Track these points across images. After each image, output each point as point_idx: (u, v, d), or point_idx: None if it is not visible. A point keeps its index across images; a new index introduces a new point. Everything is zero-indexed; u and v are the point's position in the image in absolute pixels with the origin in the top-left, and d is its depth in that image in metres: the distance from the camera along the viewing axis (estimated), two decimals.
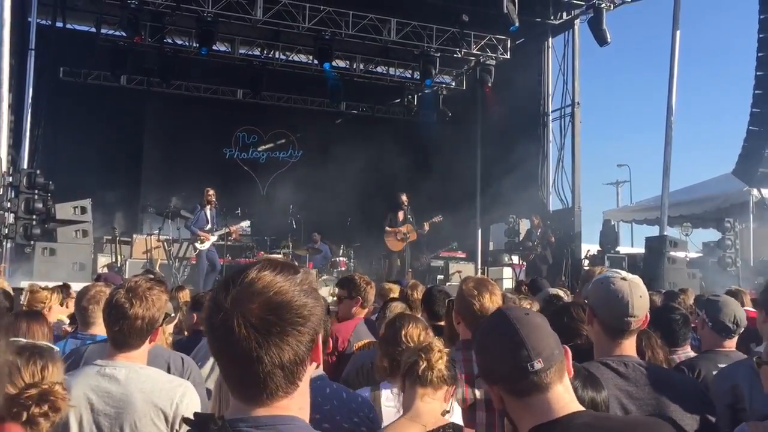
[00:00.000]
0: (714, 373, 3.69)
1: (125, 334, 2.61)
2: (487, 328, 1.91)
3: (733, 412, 3.27)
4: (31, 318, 3.74)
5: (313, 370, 1.44)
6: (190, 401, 2.58)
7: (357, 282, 5.12)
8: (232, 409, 1.39)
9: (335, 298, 5.75)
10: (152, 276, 3.26)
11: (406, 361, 2.71)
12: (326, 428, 2.57)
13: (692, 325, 4.67)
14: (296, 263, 13.10)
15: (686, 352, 4.38)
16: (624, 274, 2.76)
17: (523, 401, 1.75)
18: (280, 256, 13.16)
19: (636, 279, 2.70)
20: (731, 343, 3.97)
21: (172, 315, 4.12)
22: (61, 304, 5.25)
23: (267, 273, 1.37)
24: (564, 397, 1.76)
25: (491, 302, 3.65)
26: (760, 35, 14.18)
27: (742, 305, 4.76)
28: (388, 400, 3.15)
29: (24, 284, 7.05)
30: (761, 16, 14.13)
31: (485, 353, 1.90)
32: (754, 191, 15.54)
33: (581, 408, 1.79)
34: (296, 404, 1.39)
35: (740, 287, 7.63)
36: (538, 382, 1.73)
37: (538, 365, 1.72)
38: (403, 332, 3.23)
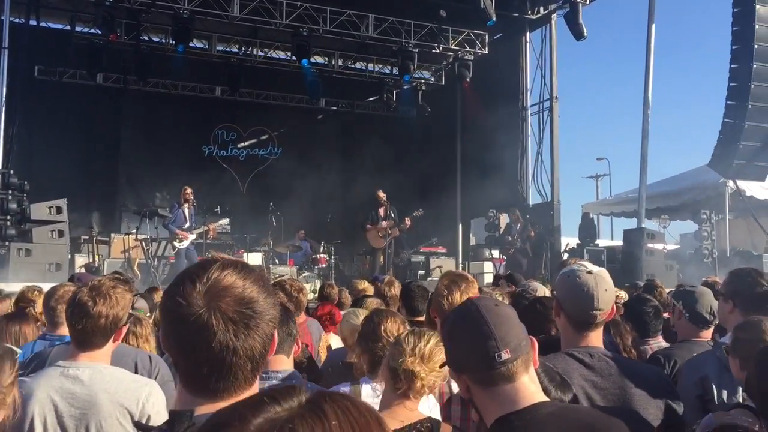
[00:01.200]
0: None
1: (88, 332, 2.58)
2: (455, 317, 1.91)
3: (703, 403, 3.31)
4: (22, 320, 3.73)
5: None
6: (155, 400, 2.56)
7: (287, 289, 5.06)
8: (193, 405, 1.40)
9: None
10: (120, 276, 3.22)
11: (397, 364, 2.67)
12: None
13: (666, 315, 4.72)
14: (277, 261, 13.04)
15: (658, 342, 4.43)
16: (590, 267, 2.76)
17: (490, 391, 1.76)
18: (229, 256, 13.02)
19: (602, 272, 2.70)
20: (707, 333, 4.01)
21: (148, 315, 4.09)
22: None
23: (229, 271, 1.41)
24: (530, 387, 1.77)
25: (462, 300, 3.67)
26: (734, 28, 14.33)
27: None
28: (368, 396, 3.14)
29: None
30: (735, 9, 14.28)
31: (453, 342, 1.91)
32: (730, 183, 15.69)
33: (546, 398, 1.80)
34: None
35: (716, 278, 7.72)
36: (505, 373, 1.74)
37: (505, 356, 1.72)
38: (383, 327, 3.23)
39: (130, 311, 2.80)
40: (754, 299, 3.53)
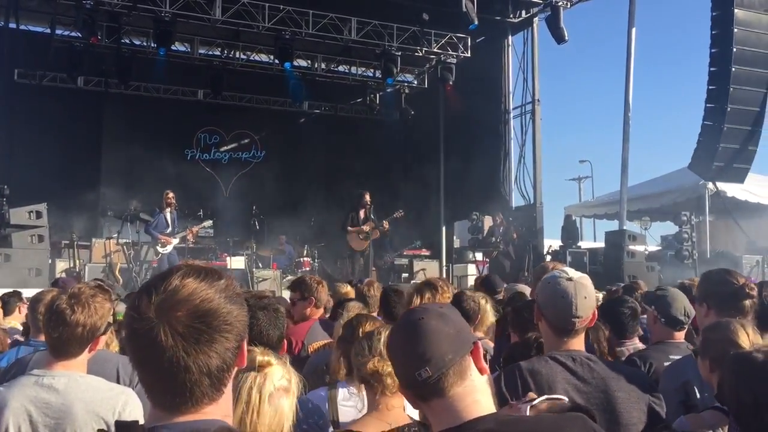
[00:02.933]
0: (666, 364, 3.76)
1: (64, 341, 2.56)
2: (390, 333, 1.88)
3: (686, 408, 3.33)
4: None
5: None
6: (132, 409, 2.54)
7: (308, 283, 5.13)
8: (152, 418, 1.37)
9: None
10: (101, 283, 3.20)
11: (363, 370, 2.68)
12: None
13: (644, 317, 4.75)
14: (223, 270, 12.96)
15: (634, 344, 4.45)
16: (571, 273, 2.78)
17: (426, 405, 1.71)
18: (202, 262, 12.96)
19: (583, 279, 2.71)
20: (680, 335, 4.05)
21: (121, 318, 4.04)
22: (11, 312, 5.17)
23: (191, 280, 1.35)
24: (464, 400, 1.67)
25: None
26: (713, 32, 14.50)
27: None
28: (345, 399, 3.15)
29: None
30: (714, 13, 14.45)
31: (390, 358, 1.89)
32: (710, 185, 15.86)
33: (485, 411, 1.69)
34: (221, 410, 1.39)
35: (693, 280, 7.78)
36: (434, 388, 1.67)
37: (425, 374, 1.65)
38: (360, 330, 3.23)
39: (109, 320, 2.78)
40: (725, 299, 3.56)
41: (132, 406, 2.57)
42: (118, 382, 3.00)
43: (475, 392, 1.70)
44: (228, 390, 1.41)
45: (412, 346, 1.70)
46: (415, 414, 2.83)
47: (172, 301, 1.32)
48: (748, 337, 2.82)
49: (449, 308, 1.85)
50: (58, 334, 2.55)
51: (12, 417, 2.43)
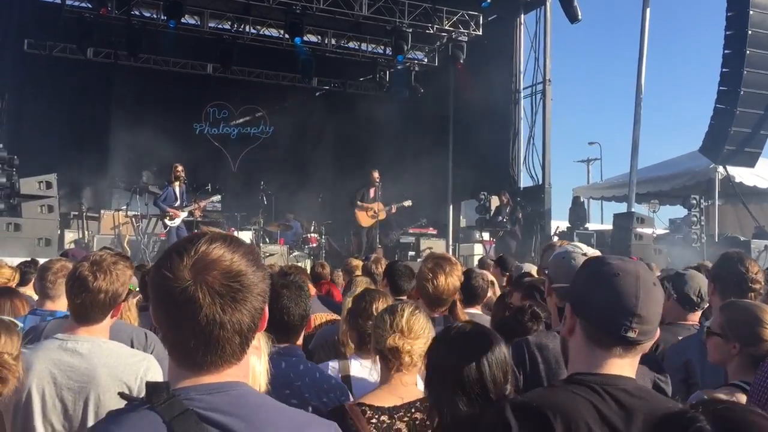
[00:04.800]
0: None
1: (87, 307, 2.58)
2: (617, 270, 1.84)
3: (687, 387, 3.36)
4: (12, 295, 3.73)
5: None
6: (154, 375, 2.56)
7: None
8: (176, 377, 1.42)
9: None
10: (112, 251, 3.21)
11: (382, 345, 2.69)
12: (294, 404, 2.59)
13: None
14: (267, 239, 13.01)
15: None
16: (585, 249, 2.79)
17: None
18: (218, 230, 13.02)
19: (597, 253, 2.72)
20: (695, 317, 4.05)
21: (137, 289, 4.09)
22: (27, 282, 5.19)
23: (218, 245, 1.42)
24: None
25: (446, 283, 3.72)
26: (729, 13, 14.34)
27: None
28: (357, 372, 3.18)
29: None
30: None
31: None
32: (720, 169, 15.77)
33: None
34: (242, 372, 1.46)
35: (704, 262, 7.78)
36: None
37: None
38: (374, 307, 3.25)
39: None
40: (730, 286, 3.57)
41: (153, 372, 2.59)
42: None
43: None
44: (247, 355, 1.47)
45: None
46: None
47: (205, 261, 1.38)
48: None
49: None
50: (80, 300, 2.57)
51: (36, 379, 2.46)
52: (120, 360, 2.57)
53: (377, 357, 2.76)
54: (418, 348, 2.65)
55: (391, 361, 2.65)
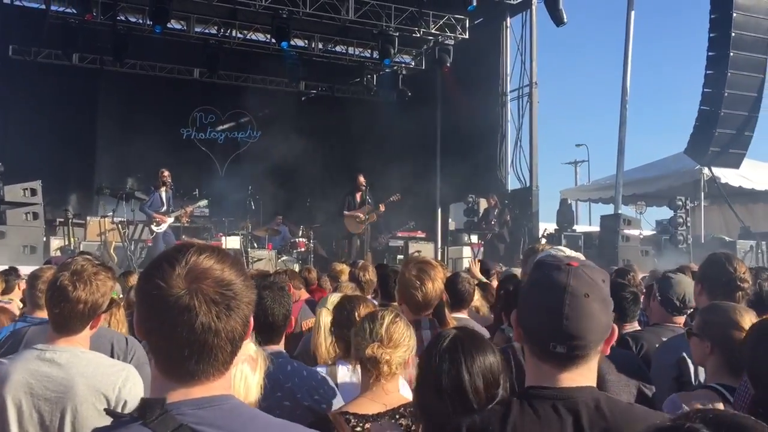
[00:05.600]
0: (657, 346, 3.79)
1: (66, 317, 2.55)
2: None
3: (679, 385, 3.37)
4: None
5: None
6: (133, 385, 2.55)
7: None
8: (166, 390, 1.41)
9: None
10: (90, 257, 3.19)
11: (362, 353, 2.68)
12: (287, 406, 2.58)
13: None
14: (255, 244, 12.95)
15: (634, 327, 4.50)
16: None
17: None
18: (201, 241, 12.97)
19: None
20: (680, 320, 4.09)
21: (120, 296, 4.06)
22: (11, 290, 5.16)
23: (207, 255, 1.44)
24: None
25: (434, 289, 3.71)
26: (712, 16, 14.46)
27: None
28: (345, 377, 3.18)
29: None
30: None
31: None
32: (706, 170, 15.88)
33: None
34: (227, 383, 1.47)
35: (689, 264, 7.82)
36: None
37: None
38: (356, 314, 3.24)
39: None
40: (719, 286, 3.59)
41: (132, 382, 2.57)
42: (111, 356, 3.01)
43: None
44: (232, 365, 1.48)
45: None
46: (410, 395, 2.85)
47: (197, 271, 1.40)
48: (749, 320, 2.82)
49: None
50: (59, 309, 2.55)
51: (12, 391, 2.43)
52: (98, 370, 2.54)
53: (358, 364, 2.75)
54: (397, 357, 2.64)
55: (370, 370, 2.65)
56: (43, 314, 3.61)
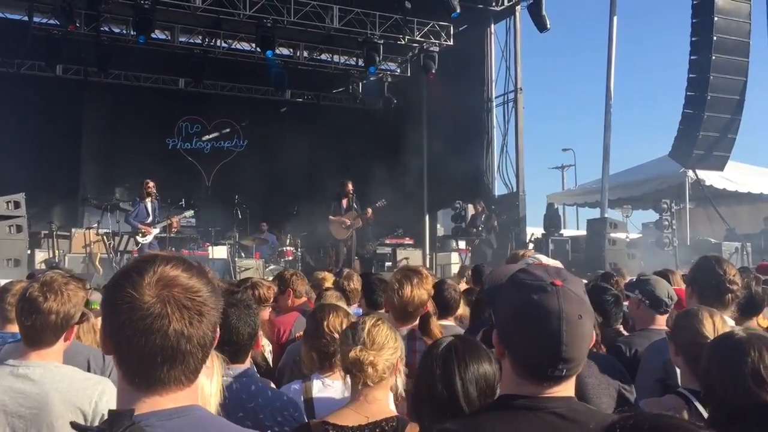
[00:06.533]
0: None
1: (38, 329, 2.52)
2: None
3: (663, 387, 3.39)
4: None
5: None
6: (109, 398, 2.51)
7: (284, 276, 5.38)
8: (133, 401, 1.41)
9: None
10: (60, 269, 3.16)
11: (346, 360, 2.67)
12: (248, 425, 2.55)
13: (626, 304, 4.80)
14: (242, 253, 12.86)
15: (619, 330, 4.52)
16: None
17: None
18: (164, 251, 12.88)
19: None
20: (663, 320, 4.11)
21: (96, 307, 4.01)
22: None
23: (173, 264, 1.45)
24: None
25: (412, 295, 3.70)
26: (694, 20, 14.58)
27: (672, 285, 4.94)
28: (320, 392, 3.15)
29: None
30: (694, 2, 14.53)
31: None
32: (690, 173, 15.98)
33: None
34: (195, 393, 1.48)
35: (669, 270, 7.85)
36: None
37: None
38: (325, 324, 3.23)
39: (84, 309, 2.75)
40: (708, 288, 3.62)
41: (109, 395, 2.53)
42: (88, 371, 2.97)
43: None
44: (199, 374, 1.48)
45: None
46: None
47: (167, 279, 1.41)
48: (713, 327, 2.85)
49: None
50: (31, 322, 2.52)
51: None
52: (73, 385, 2.51)
53: (347, 376, 2.73)
54: (382, 360, 2.63)
55: (357, 376, 2.63)
56: (14, 328, 3.57)
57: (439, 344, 2.33)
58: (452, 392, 2.15)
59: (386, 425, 2.54)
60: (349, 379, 2.73)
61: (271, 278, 8.95)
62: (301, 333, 4.65)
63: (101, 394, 2.52)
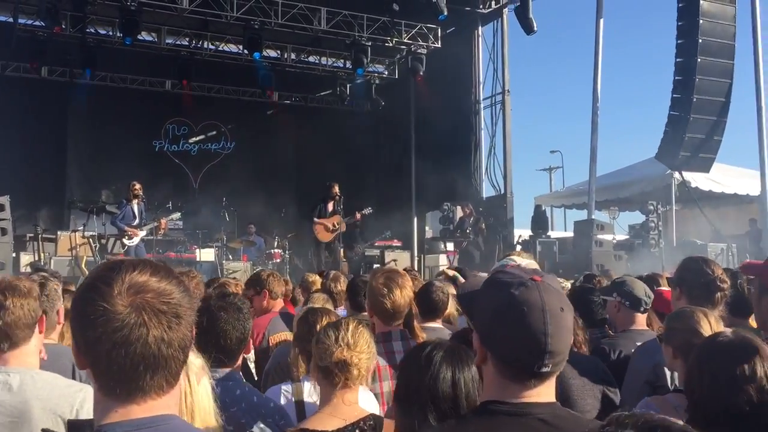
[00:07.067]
0: (633, 351, 3.83)
1: (10, 325, 2.50)
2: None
3: (653, 389, 3.39)
4: None
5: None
6: (90, 406, 2.46)
7: (260, 277, 5.30)
8: (105, 413, 1.37)
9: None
10: (45, 272, 3.13)
11: (328, 360, 2.65)
12: (230, 431, 2.52)
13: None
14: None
15: (603, 331, 4.54)
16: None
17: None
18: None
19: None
20: (642, 320, 4.15)
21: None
22: None
23: (140, 269, 1.41)
24: None
25: (402, 296, 3.70)
26: (679, 23, 14.67)
27: (659, 286, 4.96)
28: (310, 393, 3.13)
29: None
30: (680, 5, 14.62)
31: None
32: (676, 174, 16.07)
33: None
34: (176, 400, 1.45)
35: (657, 274, 7.90)
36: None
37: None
38: (318, 327, 3.20)
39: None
40: (698, 288, 3.63)
41: (90, 402, 2.49)
42: (73, 375, 2.93)
43: None
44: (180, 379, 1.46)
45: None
46: (370, 407, 2.82)
47: (137, 286, 1.37)
48: (710, 327, 2.85)
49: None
50: (1, 321, 2.49)
51: None
52: (54, 392, 2.48)
53: (319, 376, 2.70)
54: (364, 362, 2.63)
55: (337, 376, 2.61)
56: None
57: (424, 347, 2.33)
58: (435, 395, 2.15)
59: (365, 424, 2.53)
60: (320, 382, 2.70)
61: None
62: (276, 336, 4.65)
63: (82, 401, 2.48)
